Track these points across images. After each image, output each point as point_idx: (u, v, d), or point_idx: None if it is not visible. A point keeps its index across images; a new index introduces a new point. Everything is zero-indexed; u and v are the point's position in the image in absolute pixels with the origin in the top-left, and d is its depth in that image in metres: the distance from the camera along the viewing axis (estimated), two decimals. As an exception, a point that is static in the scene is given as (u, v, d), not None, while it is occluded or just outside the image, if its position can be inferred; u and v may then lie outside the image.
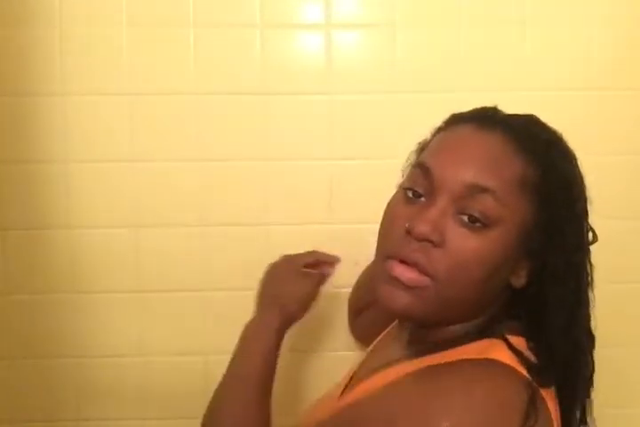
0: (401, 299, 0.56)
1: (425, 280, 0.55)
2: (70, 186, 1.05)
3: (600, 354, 1.09)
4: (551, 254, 0.58)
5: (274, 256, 1.06)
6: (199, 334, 1.06)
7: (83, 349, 1.07)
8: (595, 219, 1.07)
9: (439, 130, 0.67)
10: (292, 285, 0.81)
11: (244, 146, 1.06)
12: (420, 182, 0.59)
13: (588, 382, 0.63)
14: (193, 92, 1.05)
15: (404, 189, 0.61)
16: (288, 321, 0.78)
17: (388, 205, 0.62)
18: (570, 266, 0.58)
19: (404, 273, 0.55)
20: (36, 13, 1.03)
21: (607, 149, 1.08)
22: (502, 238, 0.55)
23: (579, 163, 0.64)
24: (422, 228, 0.54)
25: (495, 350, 0.56)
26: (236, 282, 1.07)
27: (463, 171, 0.56)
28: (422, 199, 0.58)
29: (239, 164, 1.06)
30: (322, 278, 0.84)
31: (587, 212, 0.63)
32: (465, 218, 0.55)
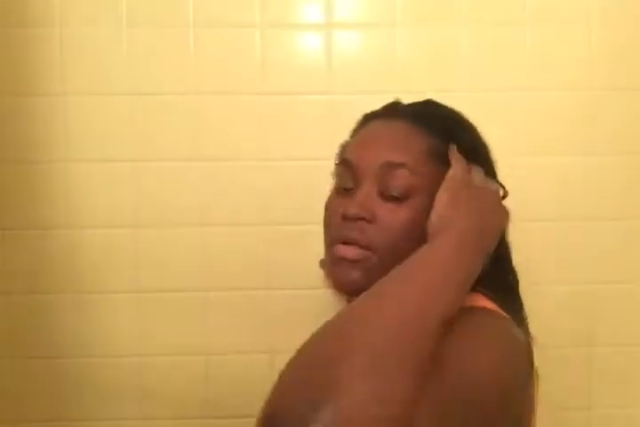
0: (350, 274, 0.62)
1: (366, 253, 0.62)
2: (70, 186, 1.05)
3: (600, 354, 1.09)
4: None
5: (274, 256, 1.06)
6: (199, 334, 1.06)
7: (83, 349, 1.07)
8: (596, 219, 1.08)
9: (354, 131, 0.77)
10: (499, 213, 0.66)
11: (244, 146, 1.06)
12: (346, 176, 0.67)
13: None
14: (193, 92, 1.05)
15: (334, 187, 0.70)
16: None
17: (325, 204, 0.70)
18: None
19: (347, 251, 0.62)
20: (36, 13, 1.03)
21: (607, 149, 1.08)
22: (424, 204, 0.62)
23: (478, 131, 0.72)
24: (353, 209, 0.62)
25: (478, 300, 0.62)
26: (235, 282, 1.07)
27: (375, 154, 0.65)
28: (351, 191, 0.66)
29: (239, 164, 1.06)
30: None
31: (493, 171, 0.72)
32: (388, 193, 0.62)
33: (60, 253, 1.06)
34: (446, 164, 0.64)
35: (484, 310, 0.60)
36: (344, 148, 0.76)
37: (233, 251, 1.07)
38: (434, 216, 0.60)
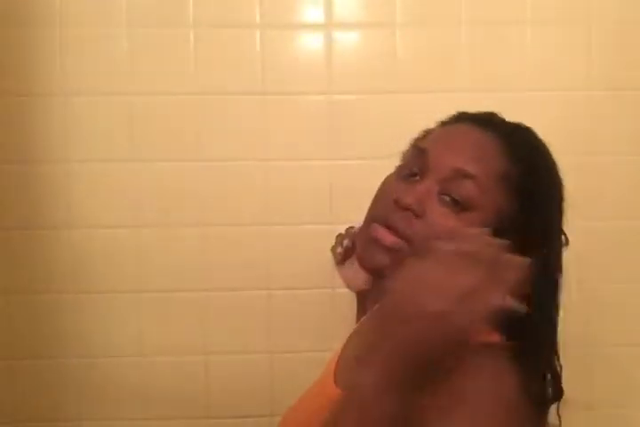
0: (378, 257, 0.61)
1: (401, 243, 0.60)
2: (70, 186, 1.05)
3: (600, 354, 1.09)
4: (519, 245, 0.59)
5: (274, 256, 1.06)
6: (199, 334, 1.06)
7: (83, 349, 1.07)
8: (596, 219, 1.08)
9: (443, 123, 0.72)
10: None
11: (244, 146, 1.06)
12: (415, 162, 0.65)
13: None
14: (193, 92, 1.05)
15: (399, 166, 0.68)
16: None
17: (384, 180, 0.68)
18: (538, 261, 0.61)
19: (384, 235, 0.61)
20: (36, 13, 1.03)
21: (607, 149, 1.08)
22: (476, 223, 0.60)
23: (559, 172, 0.68)
24: (407, 199, 0.60)
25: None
26: (236, 282, 1.07)
27: (453, 157, 0.62)
28: (414, 178, 0.64)
29: (239, 164, 1.06)
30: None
31: (561, 214, 0.67)
32: (447, 198, 0.61)
33: (61, 253, 1.06)
34: (512, 194, 0.62)
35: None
36: (426, 135, 0.72)
37: (233, 251, 1.07)
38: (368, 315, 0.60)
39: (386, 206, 0.63)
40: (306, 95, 1.06)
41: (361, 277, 0.98)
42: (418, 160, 0.65)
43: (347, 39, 1.06)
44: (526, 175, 0.63)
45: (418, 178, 0.64)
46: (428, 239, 0.57)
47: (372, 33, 1.06)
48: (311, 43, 1.05)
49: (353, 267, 0.97)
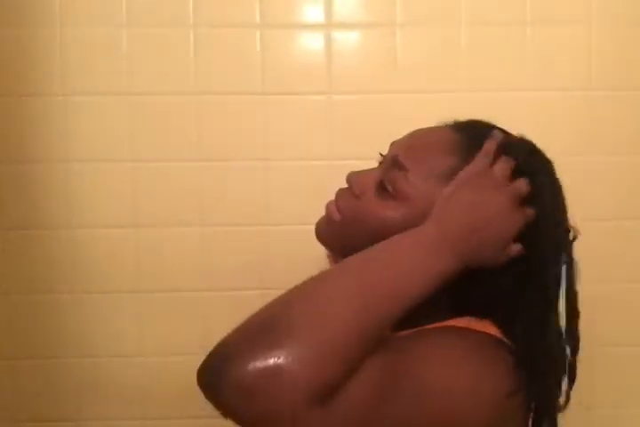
0: (320, 226, 0.68)
1: (336, 214, 0.66)
2: (70, 186, 1.05)
3: (600, 354, 1.09)
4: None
5: (273, 256, 1.06)
6: (199, 334, 1.06)
7: (83, 349, 1.07)
8: (595, 219, 1.08)
9: None
10: (502, 221, 0.57)
11: (244, 146, 1.06)
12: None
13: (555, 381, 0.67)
14: (193, 92, 1.05)
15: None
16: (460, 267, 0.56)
17: None
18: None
19: (330, 206, 0.67)
20: (36, 13, 1.03)
21: (607, 149, 1.08)
22: (402, 212, 0.61)
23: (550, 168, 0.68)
24: (353, 178, 0.66)
25: (482, 326, 0.61)
26: (235, 282, 1.07)
27: (398, 147, 0.65)
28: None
29: (239, 164, 1.06)
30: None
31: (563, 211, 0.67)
32: (386, 186, 0.63)
33: (61, 253, 1.06)
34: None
35: (454, 328, 0.59)
36: None
37: (233, 251, 1.07)
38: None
39: (344, 189, 0.68)
40: (306, 95, 1.06)
41: None
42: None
43: (347, 39, 1.06)
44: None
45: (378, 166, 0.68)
46: (355, 217, 0.64)
47: (372, 33, 1.06)
48: (311, 43, 1.05)
49: None
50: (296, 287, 0.54)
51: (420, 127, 0.70)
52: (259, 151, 1.06)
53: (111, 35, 1.04)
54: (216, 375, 0.48)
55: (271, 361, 0.45)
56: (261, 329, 0.49)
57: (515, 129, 1.05)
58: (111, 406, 1.08)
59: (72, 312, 1.06)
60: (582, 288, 1.08)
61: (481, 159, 0.60)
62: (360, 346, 0.48)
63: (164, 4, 1.04)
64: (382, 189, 0.63)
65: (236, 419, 0.47)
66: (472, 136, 0.63)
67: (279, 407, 0.44)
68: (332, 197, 1.07)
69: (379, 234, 0.58)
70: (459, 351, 0.56)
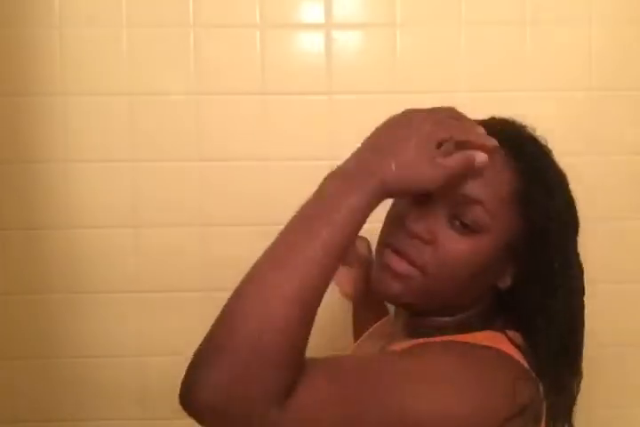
0: (391, 286, 0.62)
1: (413, 271, 0.61)
2: (70, 186, 1.05)
3: (600, 354, 1.09)
4: (533, 261, 0.64)
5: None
6: (199, 334, 1.06)
7: (82, 349, 1.07)
8: (596, 219, 1.08)
9: None
10: (420, 154, 0.55)
11: (244, 146, 1.06)
12: None
13: (573, 385, 0.70)
14: (193, 92, 1.05)
15: None
16: (382, 196, 0.55)
17: (394, 201, 0.68)
18: (552, 272, 0.65)
19: (397, 264, 0.61)
20: (36, 13, 1.03)
21: (607, 149, 1.08)
22: (488, 245, 0.61)
23: (567, 177, 0.68)
24: (416, 227, 0.61)
25: (497, 342, 0.61)
26: (235, 282, 1.06)
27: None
28: (423, 200, 0.63)
29: (239, 164, 1.06)
30: (464, 167, 0.58)
31: (575, 221, 0.70)
32: (457, 223, 0.61)
33: (60, 253, 1.06)
34: (524, 211, 0.62)
35: (488, 347, 0.60)
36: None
37: (233, 251, 1.06)
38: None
39: (395, 231, 0.63)
40: (306, 95, 1.06)
41: (351, 283, 0.99)
42: None
43: (347, 39, 1.06)
44: (532, 186, 0.62)
45: (427, 201, 0.63)
46: (441, 265, 0.60)
47: (372, 33, 1.06)
48: (311, 43, 1.05)
49: (344, 272, 0.98)
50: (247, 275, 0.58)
51: None
52: (259, 151, 1.06)
53: (111, 35, 1.04)
54: (185, 389, 0.49)
55: (212, 379, 0.47)
56: (206, 350, 0.53)
57: (515, 129, 1.04)
58: (110, 406, 1.08)
59: (71, 312, 1.06)
60: (582, 288, 1.08)
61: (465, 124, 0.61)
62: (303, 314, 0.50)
63: (164, 4, 1.04)
64: (454, 227, 0.61)
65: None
66: (513, 150, 0.63)
67: (246, 413, 0.46)
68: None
69: (473, 272, 0.60)
70: (450, 369, 0.55)
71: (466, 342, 0.60)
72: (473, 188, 0.60)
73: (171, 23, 1.04)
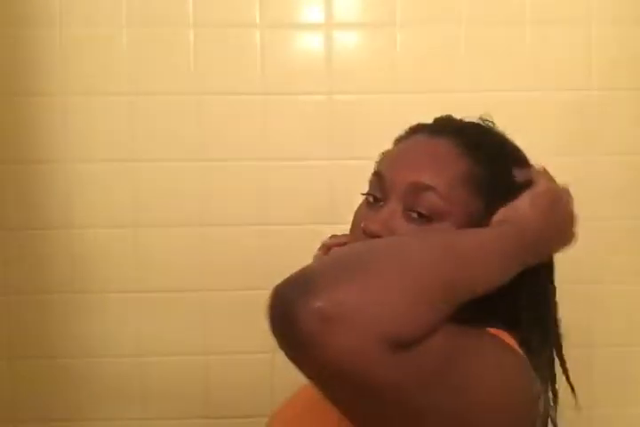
0: None
1: None
2: (70, 186, 1.05)
3: (600, 354, 1.09)
4: None
5: (274, 256, 1.06)
6: (199, 334, 1.06)
7: (83, 348, 1.07)
8: (595, 219, 1.08)
9: (397, 140, 0.72)
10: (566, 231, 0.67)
11: (244, 146, 1.06)
12: (377, 188, 0.66)
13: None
14: (193, 92, 1.05)
15: (365, 195, 0.69)
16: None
17: (355, 210, 0.69)
18: None
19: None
20: (36, 13, 1.03)
21: (607, 148, 1.08)
22: (449, 229, 0.61)
23: (520, 153, 0.68)
24: (372, 226, 0.61)
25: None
26: (235, 282, 1.07)
27: (407, 172, 0.63)
28: (379, 203, 0.65)
29: (239, 164, 1.06)
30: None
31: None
32: (413, 214, 0.61)
33: (60, 253, 1.06)
34: (483, 194, 0.62)
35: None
36: (382, 157, 0.72)
37: (233, 251, 1.07)
38: (509, 208, 0.60)
39: (357, 236, 0.64)
40: (306, 95, 1.06)
41: None
42: (377, 185, 0.66)
43: (347, 39, 1.06)
44: (487, 170, 0.63)
45: (382, 203, 0.64)
46: None
47: (372, 33, 1.06)
48: (311, 43, 1.05)
49: None
50: (381, 243, 0.53)
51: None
52: (258, 151, 1.06)
53: (111, 35, 1.04)
54: (294, 304, 0.45)
55: (354, 295, 0.43)
56: (348, 266, 0.46)
57: (514, 129, 1.05)
58: (110, 406, 1.08)
59: (72, 312, 1.06)
60: (582, 288, 1.08)
61: (542, 177, 0.64)
62: (444, 297, 0.47)
63: (164, 4, 1.04)
64: (411, 219, 0.61)
65: (307, 351, 0.44)
66: (470, 136, 0.64)
67: (355, 342, 0.42)
68: (333, 196, 1.07)
69: None
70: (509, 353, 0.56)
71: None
72: (421, 175, 0.61)
73: (171, 23, 1.04)
